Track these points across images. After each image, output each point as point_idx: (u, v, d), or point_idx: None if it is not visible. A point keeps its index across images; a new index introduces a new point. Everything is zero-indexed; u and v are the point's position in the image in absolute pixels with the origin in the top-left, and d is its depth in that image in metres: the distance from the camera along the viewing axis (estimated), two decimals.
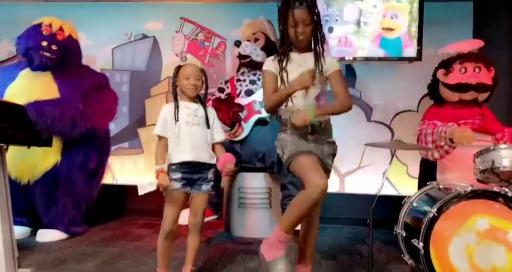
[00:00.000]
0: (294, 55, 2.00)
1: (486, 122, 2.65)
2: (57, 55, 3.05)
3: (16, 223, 2.38)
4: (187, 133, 2.04)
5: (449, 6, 3.89)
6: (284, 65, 1.97)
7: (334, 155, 2.02)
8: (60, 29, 3.11)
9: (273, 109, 2.02)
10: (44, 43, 3.01)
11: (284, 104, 1.98)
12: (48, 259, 2.50)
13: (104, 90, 3.28)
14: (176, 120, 2.03)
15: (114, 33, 4.28)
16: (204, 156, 2.08)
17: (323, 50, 2.00)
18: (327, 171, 1.97)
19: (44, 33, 3.05)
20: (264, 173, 3.27)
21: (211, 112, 2.17)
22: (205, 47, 4.25)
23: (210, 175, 2.09)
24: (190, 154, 2.03)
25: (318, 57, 1.96)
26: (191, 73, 2.06)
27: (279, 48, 2.03)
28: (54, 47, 3.03)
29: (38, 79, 3.03)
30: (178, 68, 2.11)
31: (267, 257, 1.90)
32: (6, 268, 2.15)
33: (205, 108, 2.13)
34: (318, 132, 1.96)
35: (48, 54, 3.01)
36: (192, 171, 2.05)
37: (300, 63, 1.98)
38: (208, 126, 2.10)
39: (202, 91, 2.15)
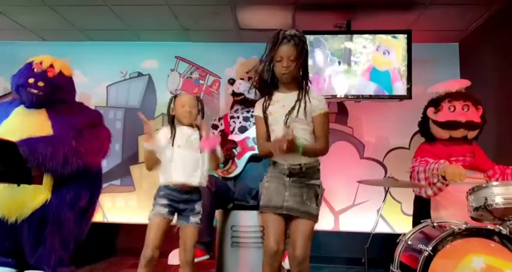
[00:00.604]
0: (278, 95, 2.01)
1: (477, 159, 2.68)
2: (45, 92, 3.02)
3: (1, 264, 2.30)
4: (179, 155, 2.06)
5: (436, 47, 4.03)
6: (266, 107, 1.98)
7: (317, 197, 1.96)
8: (51, 66, 3.11)
9: (266, 157, 2.04)
10: (31, 80, 3.02)
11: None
12: None
13: (97, 127, 3.28)
14: (172, 144, 2.07)
15: (110, 71, 4.36)
16: (194, 179, 2.08)
17: (307, 88, 2.00)
18: (309, 215, 1.93)
19: (34, 70, 3.07)
20: (258, 211, 3.22)
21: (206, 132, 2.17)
22: (200, 85, 4.32)
23: (198, 207, 2.09)
24: (180, 177, 2.04)
25: (300, 97, 1.95)
26: (186, 101, 2.13)
27: (258, 88, 2.07)
28: (40, 84, 3.00)
29: (31, 116, 3.04)
30: (174, 97, 2.18)
31: None
32: None
33: (200, 131, 2.15)
34: (297, 175, 1.94)
35: (35, 91, 2.99)
36: (179, 200, 2.04)
37: (283, 104, 1.97)
38: (201, 150, 2.11)
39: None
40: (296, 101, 1.95)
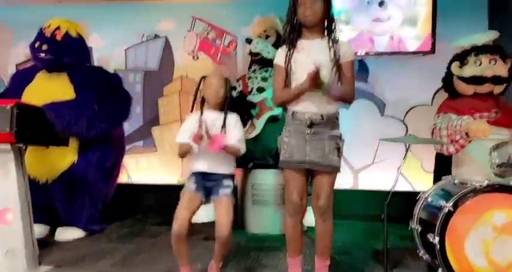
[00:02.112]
0: (303, 42, 1.96)
1: (502, 115, 2.61)
2: (52, 55, 3.03)
3: (36, 220, 2.43)
4: (203, 145, 2.02)
5: None
6: (290, 55, 1.93)
7: (338, 149, 1.94)
8: (57, 28, 3.08)
9: (282, 105, 2.02)
10: (37, 44, 3.04)
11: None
12: (68, 257, 2.55)
13: (118, 91, 3.32)
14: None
15: (127, 34, 4.34)
16: (220, 168, 2.09)
17: (335, 36, 1.94)
18: (332, 168, 1.93)
19: (45, 34, 3.07)
20: (277, 169, 3.27)
21: (232, 120, 2.13)
22: (217, 45, 4.26)
23: (226, 182, 2.10)
24: (206, 166, 2.08)
25: (332, 45, 1.91)
26: (212, 82, 2.11)
27: (286, 36, 1.99)
28: (44, 47, 3.01)
29: (54, 80, 3.09)
30: (203, 78, 2.15)
31: None
32: (28, 265, 2.21)
33: (225, 116, 2.11)
34: (318, 125, 1.91)
35: (42, 55, 3.02)
36: (206, 180, 2.09)
37: (309, 52, 1.92)
38: (224, 132, 2.07)
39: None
40: (326, 48, 1.91)
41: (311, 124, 1.91)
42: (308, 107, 1.92)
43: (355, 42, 3.57)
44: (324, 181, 1.94)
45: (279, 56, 2.00)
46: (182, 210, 2.04)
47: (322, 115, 1.92)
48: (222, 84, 2.12)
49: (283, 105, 2.03)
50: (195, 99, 2.16)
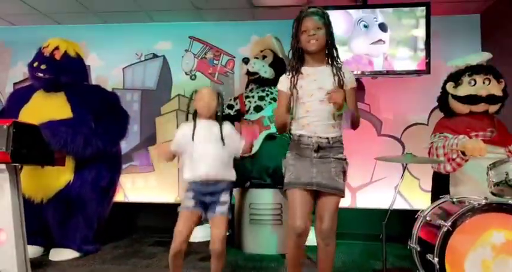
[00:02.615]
0: (307, 69, 2.00)
1: (498, 134, 2.62)
2: (50, 74, 3.04)
3: (30, 242, 2.40)
4: (200, 150, 2.08)
5: (457, 19, 3.91)
6: (295, 81, 1.97)
7: (344, 172, 1.97)
8: (56, 48, 3.11)
9: (283, 129, 2.03)
10: (35, 64, 3.06)
11: (296, 117, 1.98)
12: None
13: (115, 109, 3.32)
14: (192, 139, 2.10)
15: (125, 54, 4.39)
16: (218, 173, 2.10)
17: (338, 62, 1.99)
18: (338, 191, 1.94)
19: (44, 54, 3.10)
20: (275, 189, 3.26)
21: (227, 128, 2.19)
22: (214, 65, 4.31)
23: (223, 198, 2.10)
24: (203, 172, 2.07)
25: (336, 72, 1.95)
26: (205, 94, 2.15)
27: (289, 64, 2.04)
28: (43, 67, 3.02)
29: (51, 99, 3.09)
30: (195, 91, 2.21)
31: None
32: None
33: (221, 125, 2.16)
34: (324, 149, 1.94)
35: (40, 75, 3.03)
36: (204, 193, 2.08)
37: (314, 78, 1.97)
38: (223, 143, 2.12)
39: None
40: (330, 75, 1.96)
41: (318, 149, 1.93)
42: (314, 131, 1.95)
43: (353, 63, 3.61)
44: (329, 204, 1.94)
45: (283, 83, 2.03)
46: (181, 228, 2.05)
47: (328, 139, 1.94)
48: (214, 97, 2.16)
49: (284, 128, 2.03)
50: (188, 113, 2.20)
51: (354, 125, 2.04)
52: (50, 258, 2.93)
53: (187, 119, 2.20)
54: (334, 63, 1.99)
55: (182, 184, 2.17)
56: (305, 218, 1.91)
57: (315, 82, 1.95)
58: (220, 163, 2.11)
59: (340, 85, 1.93)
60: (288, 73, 2.02)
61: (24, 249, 2.22)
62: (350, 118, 1.98)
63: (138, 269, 2.74)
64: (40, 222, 2.95)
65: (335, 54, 1.99)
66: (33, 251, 2.90)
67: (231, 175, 2.17)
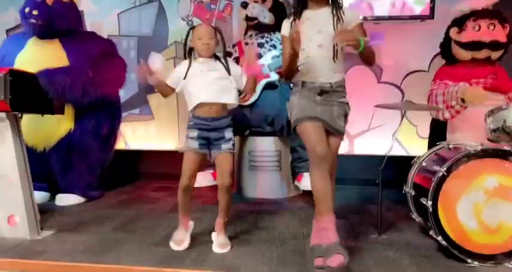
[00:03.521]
0: (308, 12, 1.95)
1: (498, 81, 2.62)
2: (43, 20, 2.95)
3: (36, 188, 2.46)
4: (202, 77, 2.05)
5: None
6: (295, 25, 1.90)
7: (346, 115, 2.00)
8: None
9: (288, 76, 1.99)
10: (27, 9, 2.96)
11: (299, 62, 1.95)
12: (69, 222, 2.60)
13: (112, 57, 3.27)
14: (184, 77, 2.07)
15: None
16: (224, 98, 2.07)
17: (339, 3, 1.93)
18: (338, 133, 1.98)
19: None
20: (274, 137, 3.30)
21: (234, 65, 2.18)
22: (212, 10, 4.16)
23: (228, 134, 2.11)
24: (206, 96, 2.04)
25: (335, 12, 1.90)
26: (203, 33, 2.06)
27: (292, 7, 1.99)
28: (34, 12, 2.93)
29: (46, 47, 3.03)
30: (192, 28, 2.11)
31: (322, 243, 1.83)
32: (30, 230, 2.26)
33: (226, 61, 2.12)
34: (327, 93, 1.95)
35: (32, 20, 2.95)
36: (209, 129, 2.07)
37: (313, 22, 1.92)
38: (229, 73, 2.09)
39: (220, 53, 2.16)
40: (330, 17, 1.90)
41: (321, 92, 1.93)
42: (317, 77, 1.94)
43: (354, 8, 3.49)
44: (331, 143, 1.97)
45: (285, 28, 1.99)
46: (189, 165, 2.09)
47: (331, 84, 1.94)
48: (212, 34, 2.08)
49: (288, 75, 2.00)
50: (185, 52, 2.13)
51: (371, 59, 1.98)
52: (56, 203, 3.03)
53: (189, 56, 2.13)
54: (335, 3, 1.93)
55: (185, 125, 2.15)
56: (324, 143, 1.89)
57: (314, 26, 1.91)
58: (227, 91, 2.08)
59: (340, 24, 1.88)
60: (289, 17, 1.97)
61: (30, 194, 2.29)
62: (371, 50, 1.92)
63: (143, 213, 2.84)
64: (44, 169, 3.01)
65: None
66: (40, 196, 2.99)
67: (235, 99, 2.12)
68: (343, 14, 1.91)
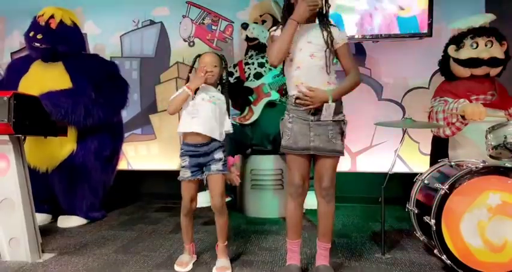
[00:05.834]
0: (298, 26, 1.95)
1: (498, 97, 2.62)
2: (47, 44, 3.00)
3: (38, 210, 2.46)
4: (202, 106, 2.07)
5: None
6: None
7: (342, 133, 1.97)
8: (51, 16, 3.05)
9: (277, 61, 1.93)
10: (31, 34, 3.01)
11: (289, 78, 1.98)
12: (70, 244, 2.59)
13: (114, 78, 3.31)
14: (193, 98, 2.08)
15: (122, 21, 4.29)
16: (214, 132, 2.09)
17: (328, 20, 1.97)
18: (336, 153, 1.95)
19: (40, 23, 3.04)
20: (276, 155, 3.30)
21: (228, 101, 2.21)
22: (213, 31, 4.23)
23: (218, 155, 2.11)
24: (201, 127, 2.06)
25: (324, 27, 1.93)
26: (208, 61, 2.11)
27: (281, 19, 2.02)
28: (39, 36, 2.98)
29: (49, 69, 3.07)
30: (198, 56, 2.18)
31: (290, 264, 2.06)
32: (31, 253, 2.25)
33: (227, 94, 2.19)
34: (321, 111, 1.91)
35: (37, 44, 3.00)
36: (198, 155, 2.09)
37: (304, 35, 1.93)
38: (219, 107, 2.12)
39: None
40: (319, 30, 1.94)
41: (315, 112, 1.93)
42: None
43: (355, 26, 3.54)
44: (327, 164, 1.96)
45: (277, 31, 1.99)
46: (186, 194, 2.14)
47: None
48: (217, 62, 2.13)
49: (278, 58, 1.93)
50: (188, 78, 2.17)
51: (353, 88, 2.00)
52: (58, 225, 3.02)
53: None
54: (324, 20, 1.97)
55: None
56: (303, 177, 1.99)
57: (303, 37, 1.93)
58: (217, 125, 2.11)
59: (330, 40, 1.91)
60: (277, 27, 2.00)
61: (32, 216, 2.29)
62: (344, 93, 1.97)
63: (144, 233, 2.83)
64: (47, 191, 3.02)
65: (324, 11, 1.97)
66: (42, 218, 2.99)
67: (221, 137, 2.15)
68: (331, 31, 1.93)
